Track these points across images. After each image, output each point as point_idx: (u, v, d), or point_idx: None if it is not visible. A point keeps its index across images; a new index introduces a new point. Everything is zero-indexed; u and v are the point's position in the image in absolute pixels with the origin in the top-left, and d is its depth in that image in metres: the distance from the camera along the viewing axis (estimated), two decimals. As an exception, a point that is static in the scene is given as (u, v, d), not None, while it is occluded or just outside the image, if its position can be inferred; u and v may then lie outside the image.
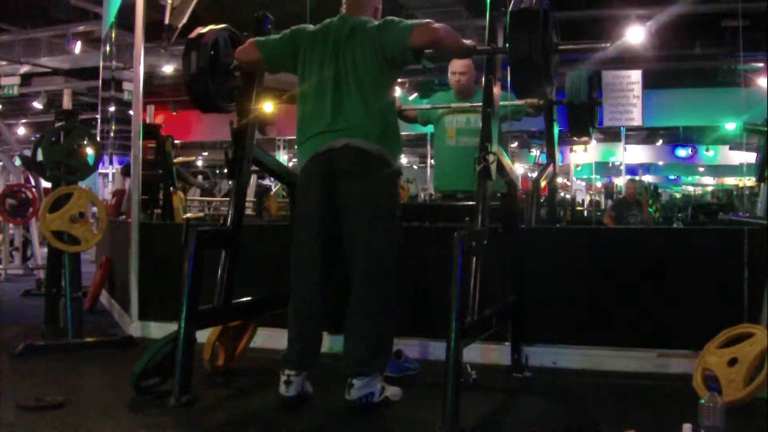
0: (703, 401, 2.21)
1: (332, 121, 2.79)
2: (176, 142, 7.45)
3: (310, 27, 2.98)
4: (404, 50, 2.76)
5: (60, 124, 4.05)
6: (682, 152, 18.84)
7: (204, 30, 3.19)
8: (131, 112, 4.80)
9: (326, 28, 2.92)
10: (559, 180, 9.17)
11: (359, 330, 2.74)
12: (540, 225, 4.45)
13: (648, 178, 19.13)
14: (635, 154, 18.78)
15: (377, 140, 2.78)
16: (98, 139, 7.79)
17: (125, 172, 7.39)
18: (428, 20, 2.77)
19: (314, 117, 2.85)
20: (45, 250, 4.43)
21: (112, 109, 9.97)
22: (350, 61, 2.80)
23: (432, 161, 11.64)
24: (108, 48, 8.96)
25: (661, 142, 19.47)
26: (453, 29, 2.82)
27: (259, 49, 3.01)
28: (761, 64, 10.43)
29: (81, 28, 10.49)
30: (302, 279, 2.82)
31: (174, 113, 15.24)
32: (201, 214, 8.05)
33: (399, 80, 3.82)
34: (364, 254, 2.74)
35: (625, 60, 9.89)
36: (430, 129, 4.54)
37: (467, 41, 2.89)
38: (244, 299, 3.22)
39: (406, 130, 5.13)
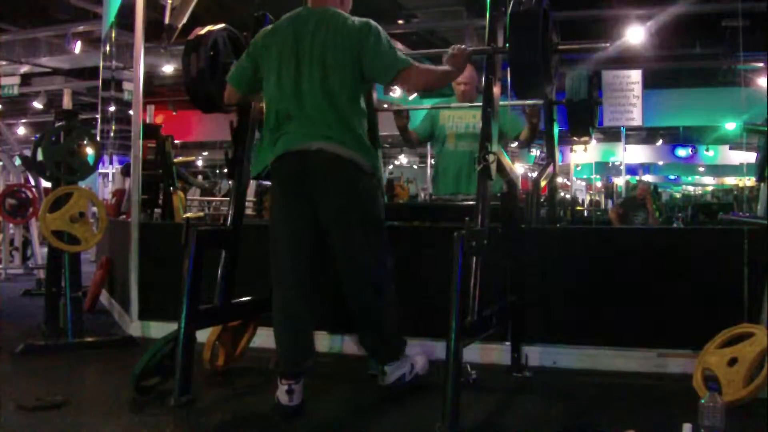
0: (703, 401, 2.21)
1: (300, 120, 2.66)
2: (176, 142, 7.46)
3: (268, 27, 2.88)
4: (386, 80, 2.75)
5: (60, 124, 4.05)
6: (682, 152, 18.89)
7: (203, 31, 3.18)
8: (131, 112, 4.80)
9: (285, 22, 2.78)
10: (559, 180, 9.16)
11: (371, 332, 2.85)
12: (540, 225, 4.44)
13: (648, 178, 19.14)
14: (635, 154, 18.81)
15: (350, 146, 2.67)
16: (98, 139, 7.80)
17: (125, 172, 7.40)
18: (418, 65, 2.70)
19: (279, 113, 2.71)
20: (45, 250, 4.43)
21: (112, 109, 9.99)
22: (318, 58, 2.66)
23: (432, 161, 11.63)
24: (108, 48, 8.97)
25: (661, 142, 19.51)
26: (433, 68, 2.80)
27: (232, 85, 2.92)
28: (761, 64, 10.45)
29: (81, 28, 10.52)
30: (287, 286, 2.73)
31: (174, 113, 15.28)
32: (201, 214, 8.04)
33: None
34: (351, 270, 2.74)
35: (625, 60, 9.91)
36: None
37: (452, 55, 2.84)
38: (244, 299, 3.22)
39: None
